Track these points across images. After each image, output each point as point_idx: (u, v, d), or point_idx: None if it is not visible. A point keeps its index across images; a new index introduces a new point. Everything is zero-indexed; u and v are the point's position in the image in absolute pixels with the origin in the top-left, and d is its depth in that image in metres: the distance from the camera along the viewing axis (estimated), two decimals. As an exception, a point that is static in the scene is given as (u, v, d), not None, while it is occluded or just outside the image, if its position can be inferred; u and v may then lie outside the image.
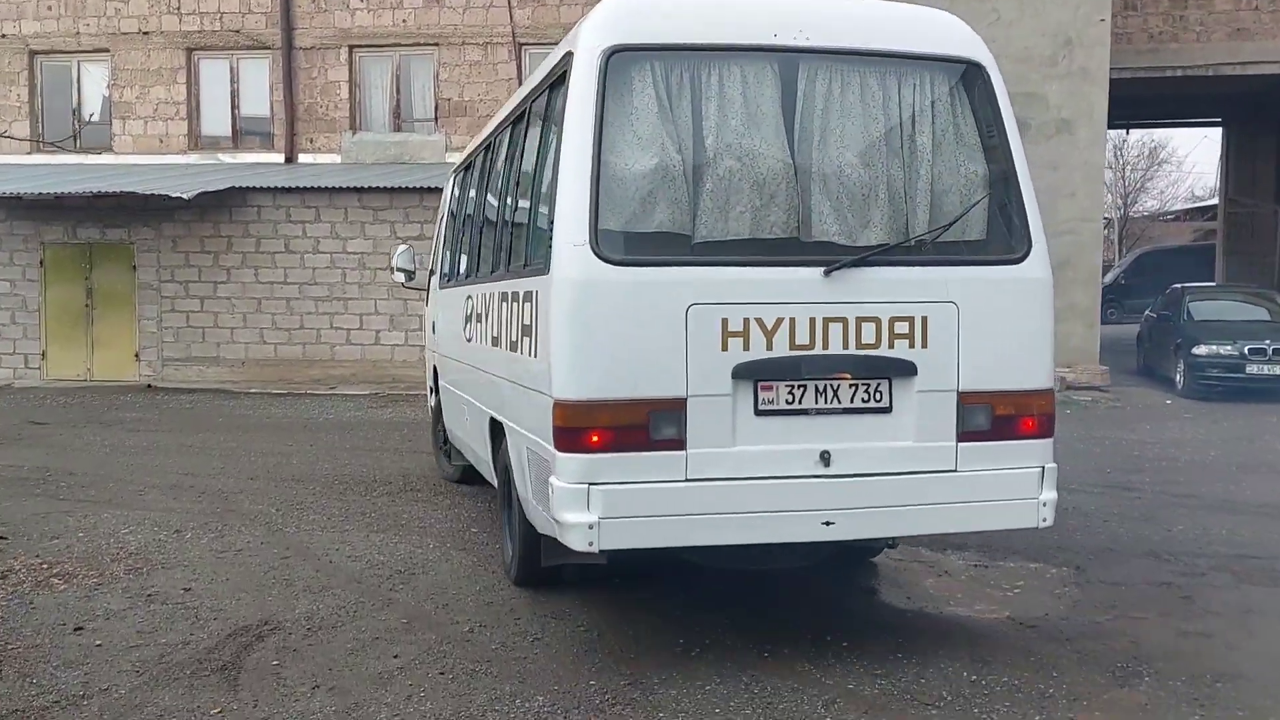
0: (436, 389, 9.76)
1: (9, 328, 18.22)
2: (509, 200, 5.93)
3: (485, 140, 7.34)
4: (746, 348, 4.68)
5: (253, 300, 17.54)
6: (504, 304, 5.72)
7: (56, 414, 14.34)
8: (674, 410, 4.64)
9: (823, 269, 4.75)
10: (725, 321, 4.66)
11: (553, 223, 4.76)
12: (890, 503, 4.80)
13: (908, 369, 4.80)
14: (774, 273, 4.75)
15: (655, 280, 4.65)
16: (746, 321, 4.68)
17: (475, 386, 6.97)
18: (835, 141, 4.91)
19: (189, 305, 17.66)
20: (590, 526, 4.55)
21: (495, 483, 6.77)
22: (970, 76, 5.09)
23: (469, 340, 7.15)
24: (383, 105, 18.97)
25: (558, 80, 5.12)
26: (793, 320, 4.71)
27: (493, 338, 6.13)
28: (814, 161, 4.88)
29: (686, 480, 4.65)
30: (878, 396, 4.82)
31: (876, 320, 4.78)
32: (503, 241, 6.00)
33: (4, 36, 19.49)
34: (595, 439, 4.59)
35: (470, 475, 9.24)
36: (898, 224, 4.91)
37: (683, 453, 4.65)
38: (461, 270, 7.67)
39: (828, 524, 4.73)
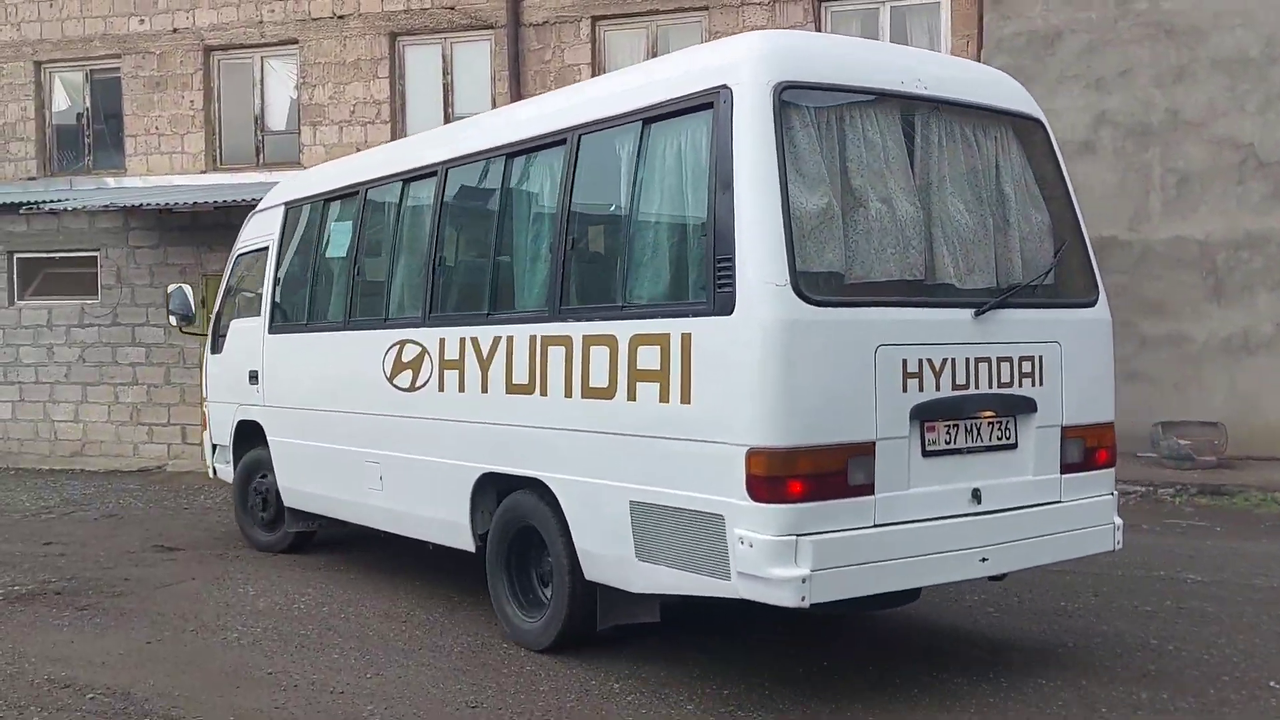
0: (236, 450, 8.63)
1: (161, 389, 13.95)
2: (569, 236, 5.40)
3: (422, 168, 6.64)
4: (921, 388, 4.70)
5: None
6: (579, 348, 5.22)
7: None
8: (867, 455, 4.54)
9: (973, 310, 4.87)
10: (905, 362, 4.64)
11: (724, 261, 4.48)
12: (1025, 535, 4.99)
13: (1030, 406, 5.04)
14: (937, 314, 4.81)
15: (850, 321, 4.54)
16: (920, 362, 4.70)
17: (435, 441, 6.27)
18: (953, 187, 5.07)
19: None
20: (803, 580, 4.31)
21: (463, 546, 6.15)
22: (1036, 132, 5.46)
23: (416, 389, 6.41)
24: None
25: (690, 109, 4.83)
26: (953, 361, 4.79)
27: (522, 383, 5.57)
28: (943, 205, 5.01)
29: (875, 526, 4.56)
30: (1007, 434, 5.00)
31: (1010, 359, 4.98)
32: (554, 279, 5.46)
33: (175, 32, 14.76)
34: (797, 488, 4.38)
35: (300, 544, 8.29)
36: (1013, 267, 5.16)
37: (871, 498, 4.55)
38: (383, 311, 6.86)
39: (983, 560, 4.83)
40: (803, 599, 4.32)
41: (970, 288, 5.00)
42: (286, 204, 8.24)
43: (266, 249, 8.36)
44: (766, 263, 4.41)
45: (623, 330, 5.01)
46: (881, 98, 4.89)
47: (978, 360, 4.86)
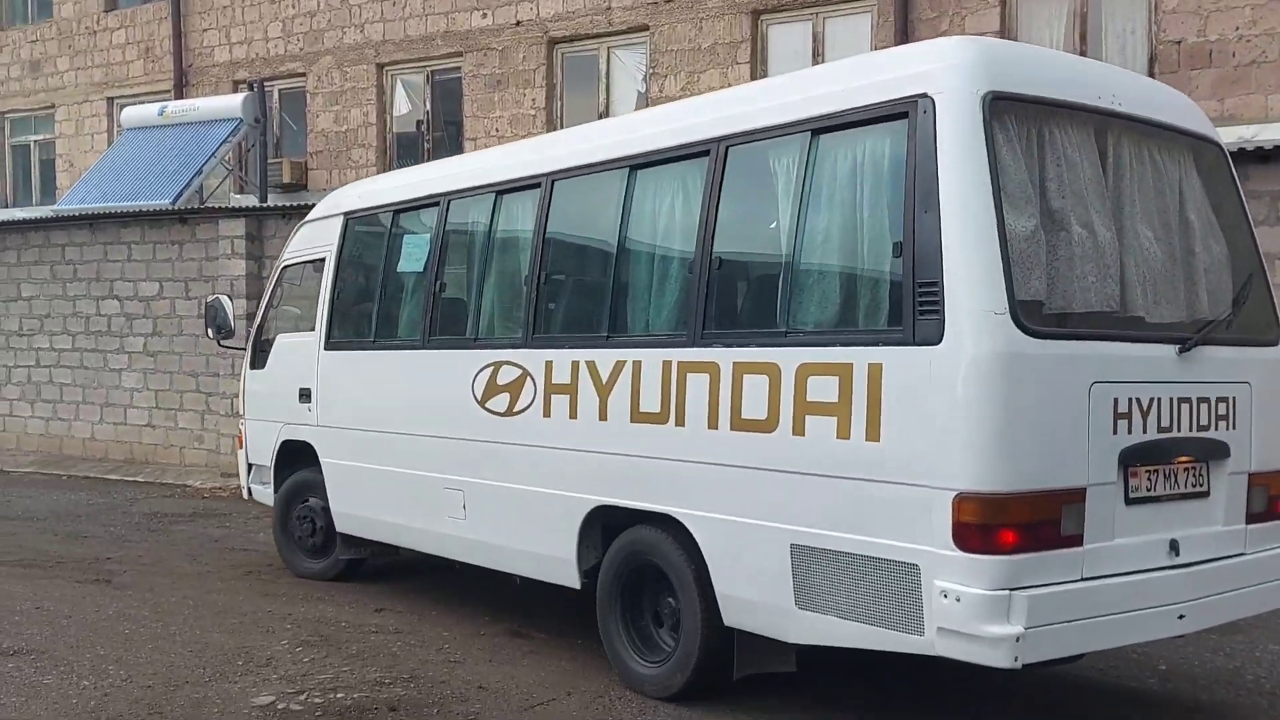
0: (278, 472, 8.10)
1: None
2: (713, 255, 4.97)
3: (523, 180, 6.19)
4: (1130, 430, 4.30)
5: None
6: (727, 376, 4.78)
7: None
8: (1078, 501, 4.14)
9: (1176, 347, 4.49)
10: (1116, 401, 4.25)
11: (928, 286, 4.07)
12: (1219, 590, 4.60)
13: (1225, 451, 4.67)
14: (1143, 349, 4.42)
15: (1067, 355, 4.14)
16: (1130, 401, 4.31)
17: (537, 469, 5.80)
18: (1143, 213, 4.70)
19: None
20: (1017, 640, 3.89)
21: (565, 582, 5.68)
22: (1218, 156, 5.11)
23: (514, 414, 5.94)
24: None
25: (875, 119, 4.43)
26: (1159, 401, 4.41)
27: (652, 411, 5.12)
28: (1134, 232, 4.63)
29: (1082, 580, 4.15)
30: (1201, 481, 4.62)
31: (1209, 400, 4.61)
32: (695, 301, 5.02)
33: (518, 25, 14.02)
34: (1010, 538, 3.96)
35: (349, 572, 7.77)
36: (1199, 301, 4.79)
37: (1081, 549, 4.15)
38: (473, 330, 6.39)
39: (1181, 617, 4.43)
40: (1015, 659, 3.90)
41: (1158, 321, 4.62)
42: (348, 214, 7.73)
43: (323, 260, 7.85)
44: (982, 289, 4.00)
45: (787, 358, 4.57)
46: (1079, 113, 4.52)
47: (1179, 400, 4.48)
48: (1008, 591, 3.92)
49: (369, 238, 7.60)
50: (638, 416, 5.22)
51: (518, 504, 5.96)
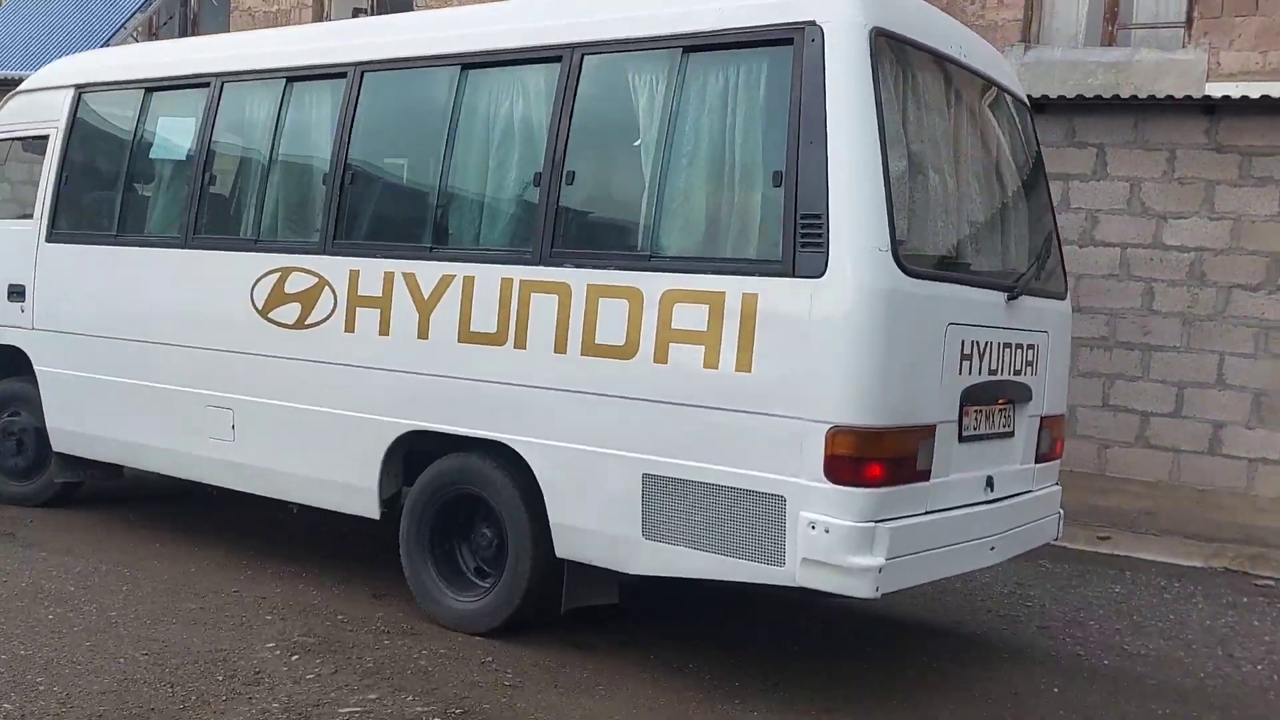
0: None
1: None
2: (565, 169, 4.70)
3: (322, 68, 5.61)
4: (970, 372, 4.51)
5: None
6: (580, 299, 4.58)
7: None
8: (929, 438, 4.31)
9: (1005, 294, 4.75)
10: (963, 343, 4.44)
11: (812, 219, 4.06)
12: (1018, 524, 4.96)
13: (1028, 394, 5.01)
14: (982, 295, 4.63)
15: (930, 295, 4.26)
16: (973, 344, 4.51)
17: (333, 389, 5.35)
18: (977, 165, 4.94)
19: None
20: (880, 570, 4.01)
21: (361, 511, 5.33)
22: (1028, 118, 5.43)
23: (306, 326, 5.44)
24: (1082, 1, 10.03)
25: (755, 43, 4.33)
26: (991, 345, 4.65)
27: (486, 331, 4.83)
28: (970, 182, 4.86)
29: (926, 513, 4.33)
30: (1009, 422, 4.95)
31: (1022, 347, 4.92)
32: (543, 217, 4.75)
33: None
34: (878, 471, 4.06)
35: (63, 497, 6.95)
36: (1014, 253, 5.10)
37: (928, 484, 4.32)
38: (252, 230, 5.76)
39: (992, 549, 4.75)
40: (877, 589, 4.03)
41: (980, 269, 4.89)
42: (81, 87, 6.74)
43: (45, 138, 6.82)
44: (868, 226, 4.03)
45: (650, 283, 4.43)
46: (937, 59, 4.64)
47: (1003, 345, 4.76)
48: (873, 524, 4.02)
49: (110, 116, 6.67)
50: (467, 336, 4.91)
51: (305, 426, 5.47)
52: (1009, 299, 4.75)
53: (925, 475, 4.29)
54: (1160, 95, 8.22)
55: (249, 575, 5.77)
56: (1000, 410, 4.83)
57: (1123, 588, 6.72)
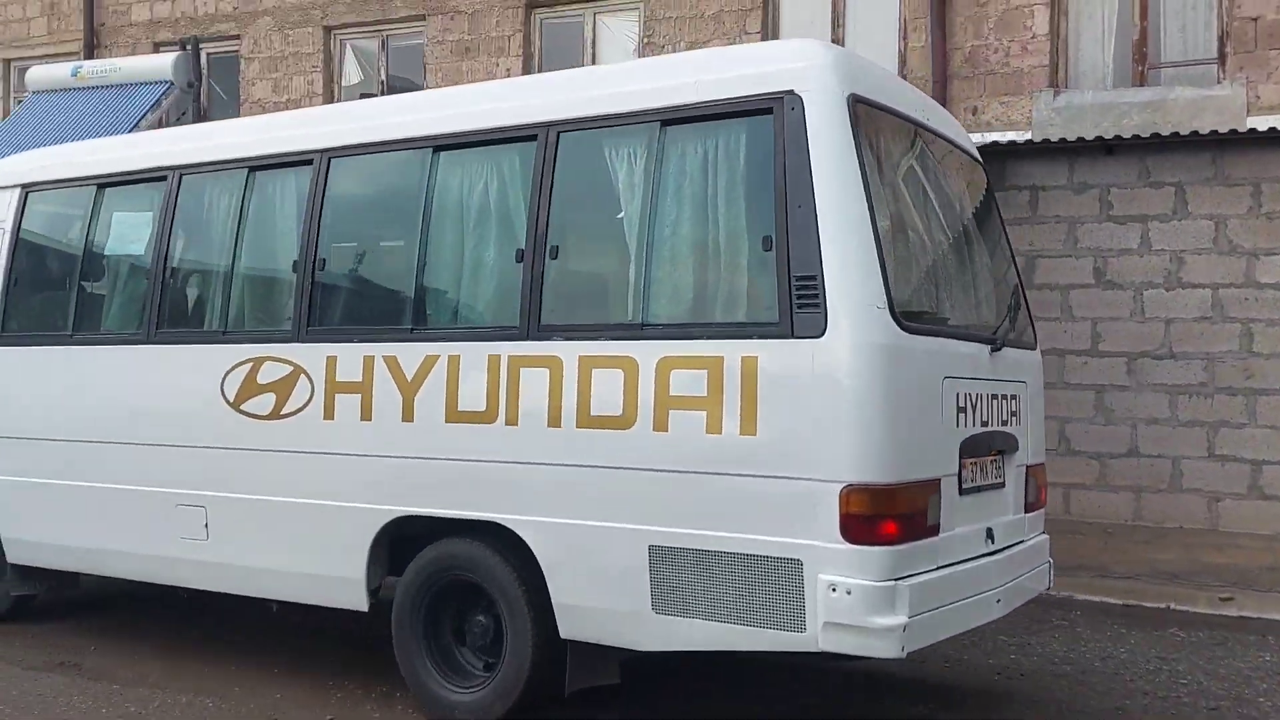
0: None
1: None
2: (547, 244, 4.69)
3: (286, 155, 5.55)
4: (965, 424, 4.56)
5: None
6: (572, 372, 4.54)
7: None
8: (936, 492, 4.32)
9: (989, 347, 4.82)
10: (958, 396, 4.49)
11: (806, 280, 4.09)
12: (1018, 575, 4.97)
13: (1015, 444, 5.07)
14: (971, 348, 4.70)
15: (927, 350, 4.31)
16: (966, 396, 4.56)
17: (314, 479, 5.21)
18: (947, 221, 5.05)
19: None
20: (904, 629, 3.98)
21: (348, 605, 5.16)
22: (984, 176, 5.57)
23: (281, 416, 5.31)
24: (1108, 44, 9.98)
25: (734, 113, 4.39)
26: (982, 397, 4.71)
27: (475, 410, 4.76)
28: (943, 239, 4.95)
29: (939, 568, 4.32)
30: (1001, 472, 4.99)
31: (1005, 397, 4.99)
32: (527, 292, 4.71)
33: None
34: (893, 529, 4.05)
35: (17, 611, 6.63)
36: (984, 306, 5.20)
37: (937, 538, 4.33)
38: (218, 322, 5.64)
39: (998, 601, 4.75)
40: (902, 649, 3.99)
41: (957, 323, 4.97)
42: (27, 186, 6.59)
43: (-12, 239, 6.62)
44: (863, 284, 4.07)
45: (645, 352, 4.41)
46: (905, 123, 4.76)
47: (991, 396, 4.82)
48: (893, 582, 4.00)
49: (60, 214, 6.53)
50: (455, 416, 4.83)
51: (285, 519, 5.31)
52: (993, 351, 4.83)
53: (935, 530, 4.30)
54: (1241, 130, 8.07)
55: (339, 699, 5.29)
56: (992, 461, 4.87)
57: (1272, 656, 6.21)
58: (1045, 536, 5.45)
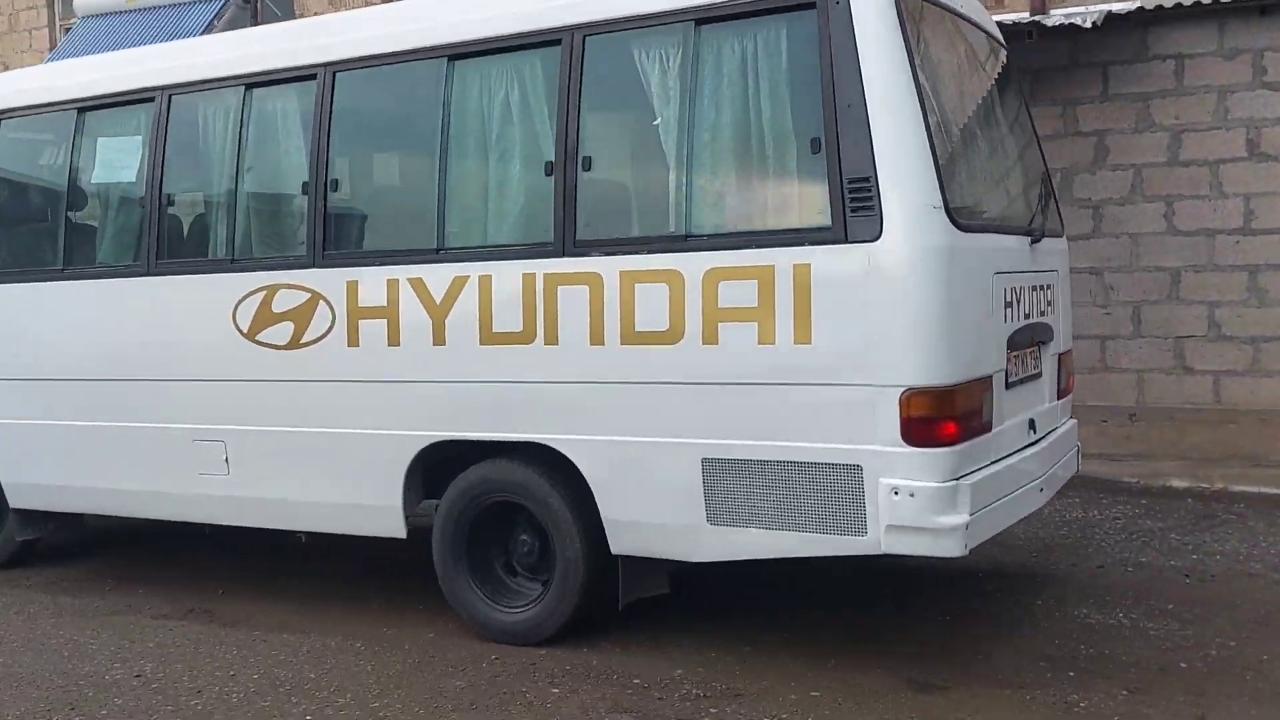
0: None
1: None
2: (579, 155, 4.52)
3: (284, 71, 5.29)
4: (1012, 319, 4.53)
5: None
6: (613, 287, 4.43)
7: None
8: (990, 389, 4.31)
9: (1029, 239, 4.78)
10: (1005, 291, 4.45)
11: (860, 182, 3.98)
12: (1055, 461, 5.02)
13: (1050, 334, 5.07)
14: (1014, 241, 4.65)
15: (979, 247, 4.25)
16: (1012, 291, 4.53)
17: (342, 407, 5.10)
18: (980, 112, 4.95)
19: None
20: (966, 527, 4.00)
21: (385, 532, 5.11)
22: (1011, 62, 5.45)
23: (302, 345, 5.16)
24: None
25: (771, 10, 4.22)
26: (1023, 289, 4.68)
27: (511, 330, 4.65)
28: (978, 130, 4.86)
29: (991, 463, 4.34)
30: (1038, 363, 4.99)
31: (1043, 288, 4.97)
32: (559, 207, 4.56)
33: None
34: (953, 429, 4.04)
35: (20, 559, 6.49)
36: (1017, 195, 5.14)
37: (990, 434, 4.33)
38: (226, 250, 5.43)
39: (1041, 490, 4.79)
40: (965, 546, 4.01)
41: (992, 216, 4.90)
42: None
43: (-41, 173, 6.30)
44: (918, 184, 3.98)
45: (690, 264, 4.31)
46: (944, 14, 4.62)
47: (1032, 288, 4.79)
48: (954, 482, 4.01)
49: (37, 141, 6.21)
50: (490, 338, 4.71)
51: (312, 449, 5.20)
52: (1033, 243, 4.78)
53: (989, 427, 4.30)
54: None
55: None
56: (1031, 353, 4.87)
57: None
58: (1074, 421, 5.50)
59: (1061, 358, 5.27)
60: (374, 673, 4.57)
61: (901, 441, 3.98)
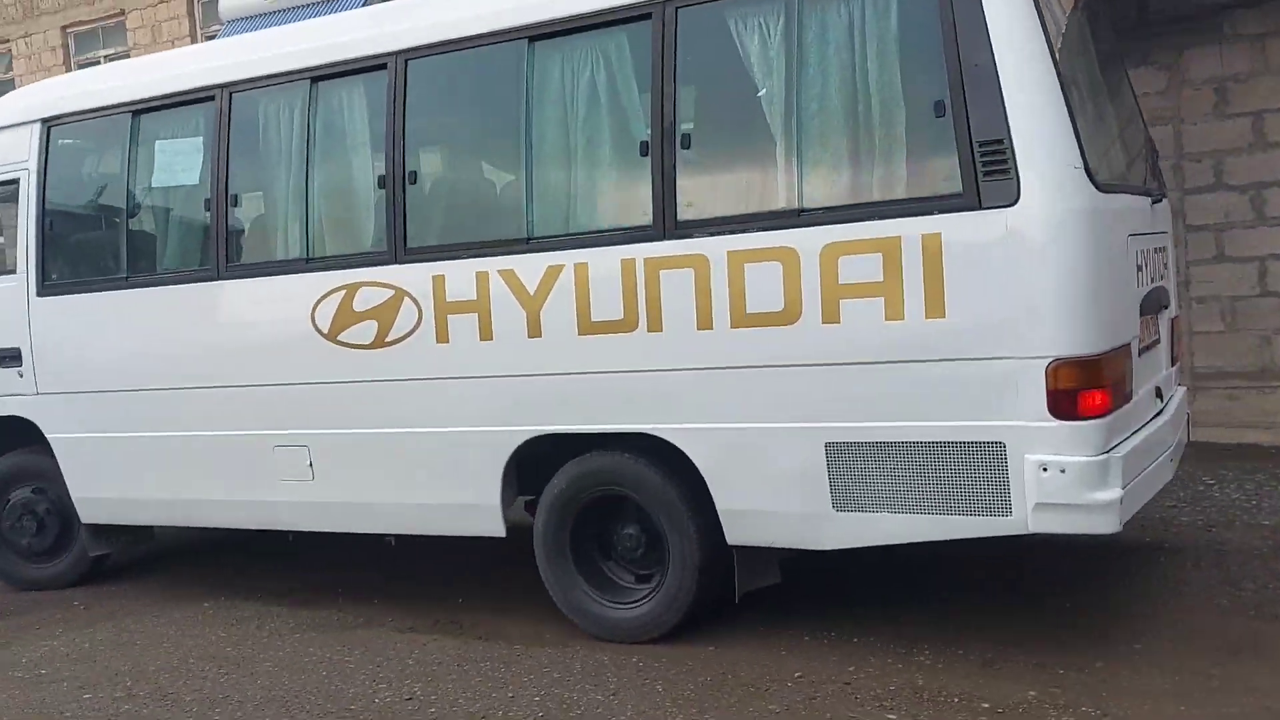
0: None
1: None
2: (676, 133, 4.32)
3: (352, 62, 5.09)
4: (1142, 283, 4.33)
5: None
6: (720, 268, 4.23)
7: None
8: (1129, 357, 4.10)
9: (1150, 199, 4.57)
10: (1136, 254, 4.25)
11: (993, 145, 3.77)
12: (1178, 429, 4.81)
13: (1168, 298, 4.87)
14: (1140, 202, 4.44)
15: (1116, 209, 4.05)
16: (1142, 254, 4.33)
17: (434, 405, 4.91)
18: (1096, 71, 4.76)
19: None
20: (1120, 502, 3.80)
21: (483, 531, 4.93)
22: (1111, 24, 5.23)
23: (387, 344, 4.96)
24: None
25: None
26: (1149, 252, 4.47)
27: (611, 319, 4.45)
28: (1103, 90, 4.68)
29: (1133, 434, 4.13)
30: (1157, 328, 4.78)
31: (1160, 250, 4.76)
32: (659, 187, 4.36)
33: None
34: (1101, 400, 3.84)
35: (91, 576, 6.32)
36: (1123, 157, 4.91)
37: (1131, 404, 4.13)
38: (301, 250, 5.23)
39: (1171, 460, 4.59)
40: (1120, 521, 3.82)
41: (1121, 177, 4.67)
42: (48, 120, 6.04)
43: (14, 183, 6.10)
44: (1058, 143, 3.77)
45: (805, 240, 4.10)
46: None
47: (1154, 250, 4.59)
48: (1106, 455, 3.81)
49: (90, 148, 6.03)
50: (589, 327, 4.52)
51: (402, 450, 5.02)
52: (1153, 203, 4.57)
53: (1130, 397, 4.10)
54: None
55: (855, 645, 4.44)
56: (1153, 319, 4.66)
57: None
58: (1184, 388, 5.29)
59: (1174, 322, 5.06)
60: (667, 694, 4.11)
61: (1049, 415, 3.78)
